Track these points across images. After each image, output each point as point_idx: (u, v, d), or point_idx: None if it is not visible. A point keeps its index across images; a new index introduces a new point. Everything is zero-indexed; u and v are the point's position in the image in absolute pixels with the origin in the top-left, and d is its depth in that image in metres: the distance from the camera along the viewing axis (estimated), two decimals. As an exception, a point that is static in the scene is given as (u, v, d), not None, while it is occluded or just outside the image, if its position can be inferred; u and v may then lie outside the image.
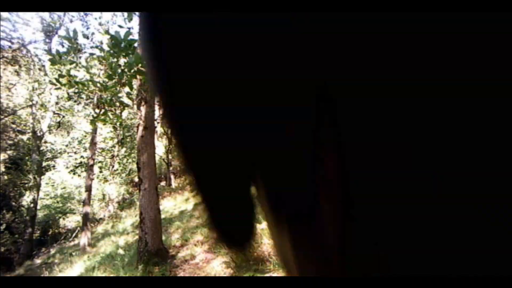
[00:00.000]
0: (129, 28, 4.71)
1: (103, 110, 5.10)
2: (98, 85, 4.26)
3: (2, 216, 14.13)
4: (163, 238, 4.97)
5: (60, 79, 4.08)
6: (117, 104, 5.27)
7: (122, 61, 4.08)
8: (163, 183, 21.62)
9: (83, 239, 8.97)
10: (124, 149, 15.85)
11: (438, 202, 0.17)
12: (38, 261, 10.83)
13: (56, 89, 4.26)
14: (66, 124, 17.79)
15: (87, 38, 6.36)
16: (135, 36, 5.54)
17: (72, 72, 4.27)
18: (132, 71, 3.99)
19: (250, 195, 0.27)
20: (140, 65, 4.02)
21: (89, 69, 4.31)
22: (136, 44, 3.91)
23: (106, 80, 4.23)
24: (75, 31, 4.04)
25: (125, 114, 12.89)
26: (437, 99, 0.17)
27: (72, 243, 12.47)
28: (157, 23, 0.23)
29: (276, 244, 0.29)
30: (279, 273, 2.38)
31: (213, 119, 0.23)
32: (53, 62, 3.94)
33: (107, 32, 3.97)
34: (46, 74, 11.36)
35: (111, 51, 3.84)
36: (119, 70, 4.01)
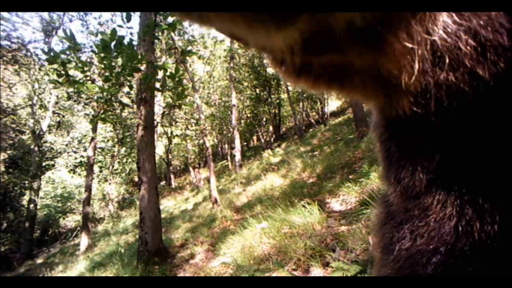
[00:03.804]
0: (129, 28, 4.69)
1: (102, 110, 5.09)
2: (97, 88, 4.24)
3: (2, 216, 14.14)
4: (163, 237, 4.97)
5: (59, 79, 4.07)
6: (115, 104, 5.26)
7: (119, 60, 4.05)
8: (163, 183, 21.64)
9: (83, 238, 8.97)
10: (124, 148, 15.86)
11: None
12: (38, 260, 10.83)
13: (55, 88, 4.23)
14: (66, 124, 17.79)
15: (94, 35, 6.25)
16: (135, 36, 5.53)
17: (71, 72, 4.25)
18: (128, 70, 3.95)
19: None
20: (135, 62, 3.95)
21: (84, 68, 4.28)
22: (126, 42, 3.82)
23: (104, 82, 4.22)
24: (71, 33, 4.01)
25: (125, 113, 12.89)
26: None
27: (72, 243, 12.47)
28: None
29: None
30: (279, 273, 2.38)
31: None
32: (50, 61, 3.93)
33: (97, 33, 3.93)
34: (46, 74, 11.35)
35: (102, 54, 3.80)
36: (115, 71, 3.99)
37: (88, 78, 4.61)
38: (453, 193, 0.26)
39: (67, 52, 4.10)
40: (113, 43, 3.72)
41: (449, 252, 0.25)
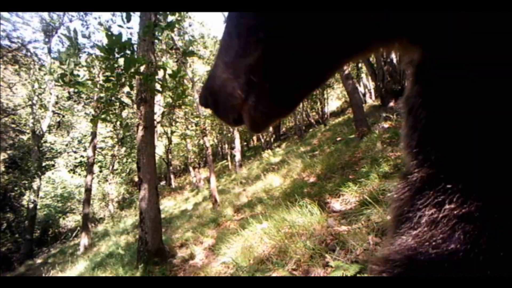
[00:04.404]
0: (129, 28, 4.69)
1: (103, 110, 5.09)
2: (98, 86, 4.25)
3: (2, 216, 14.13)
4: (163, 237, 4.97)
5: (63, 78, 4.08)
6: (117, 104, 5.26)
7: (120, 60, 4.06)
8: (163, 183, 21.64)
9: (83, 239, 8.97)
10: (124, 148, 15.85)
11: None
12: (38, 260, 10.83)
13: (58, 85, 4.23)
14: (66, 124, 17.79)
15: (87, 37, 6.34)
16: (135, 36, 5.53)
17: (74, 72, 4.26)
18: (130, 72, 3.96)
19: None
20: (138, 65, 3.98)
21: (90, 68, 4.29)
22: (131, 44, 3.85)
23: (104, 82, 4.22)
24: (75, 31, 4.03)
25: (125, 113, 12.87)
26: None
27: (72, 243, 12.46)
28: None
29: None
30: (279, 273, 2.38)
31: None
32: (60, 60, 3.96)
33: (107, 29, 3.95)
34: (48, 73, 11.37)
35: (106, 54, 3.80)
36: (116, 72, 4.00)
37: (90, 78, 4.62)
38: (487, 152, 0.25)
39: (68, 53, 4.11)
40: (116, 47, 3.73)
41: (481, 218, 0.24)
